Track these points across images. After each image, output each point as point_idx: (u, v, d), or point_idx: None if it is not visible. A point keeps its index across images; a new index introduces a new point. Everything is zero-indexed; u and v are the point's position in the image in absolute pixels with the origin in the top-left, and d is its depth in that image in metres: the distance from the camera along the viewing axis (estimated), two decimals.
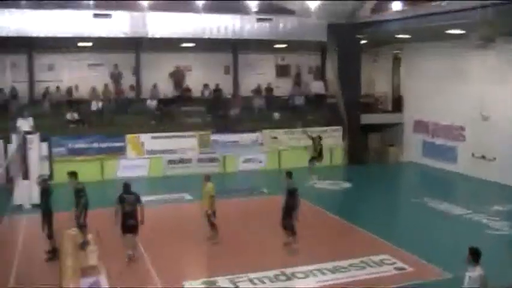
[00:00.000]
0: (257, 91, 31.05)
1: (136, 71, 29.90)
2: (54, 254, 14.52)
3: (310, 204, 19.63)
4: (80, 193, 15.19)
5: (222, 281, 13.02)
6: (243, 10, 28.06)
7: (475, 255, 9.19)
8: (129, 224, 14.39)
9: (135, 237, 14.64)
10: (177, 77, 30.52)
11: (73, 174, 15.54)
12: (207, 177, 16.45)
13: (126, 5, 26.66)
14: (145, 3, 26.43)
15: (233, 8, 27.87)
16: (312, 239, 16.16)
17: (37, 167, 20.98)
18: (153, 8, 26.76)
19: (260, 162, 28.40)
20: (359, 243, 16.31)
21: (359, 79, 30.64)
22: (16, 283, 13.06)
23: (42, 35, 25.97)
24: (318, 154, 25.34)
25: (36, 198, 17.89)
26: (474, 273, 9.06)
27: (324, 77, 33.30)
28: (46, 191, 15.29)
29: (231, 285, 12.78)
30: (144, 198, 19.06)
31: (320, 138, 25.52)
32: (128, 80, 29.91)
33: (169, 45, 28.93)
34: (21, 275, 13.58)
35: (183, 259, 15.05)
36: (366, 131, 30.99)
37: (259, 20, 28.42)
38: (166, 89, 30.05)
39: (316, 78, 33.12)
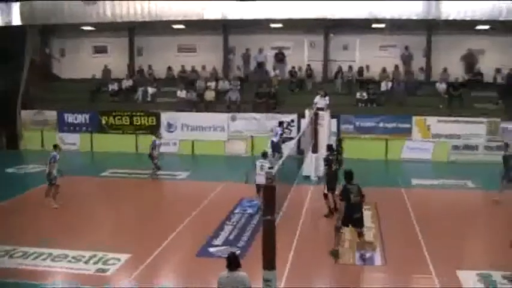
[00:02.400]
0: None
1: (427, 53, 29.73)
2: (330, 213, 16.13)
3: None
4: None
5: (496, 275, 12.24)
6: None
7: None
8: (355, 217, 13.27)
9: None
10: (469, 60, 29.45)
11: None
12: None
13: None
14: None
15: None
16: None
17: (326, 142, 22.21)
18: None
19: None
20: None
21: None
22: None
23: (338, 16, 27.33)
24: None
25: (322, 171, 19.06)
26: None
27: None
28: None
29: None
30: (426, 182, 19.28)
31: None
32: (418, 61, 29.91)
33: (463, 27, 27.90)
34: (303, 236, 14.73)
35: (459, 247, 14.48)
36: None
37: None
38: (457, 72, 29.06)
39: None
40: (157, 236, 14.83)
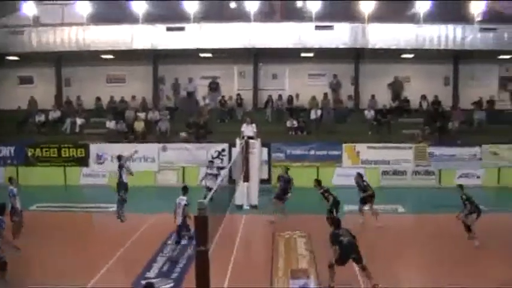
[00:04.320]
0: (478, 104, 29.56)
1: (355, 81, 30.46)
2: None
3: None
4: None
5: None
6: (465, 20, 27.55)
7: None
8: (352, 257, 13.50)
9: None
10: (396, 87, 30.42)
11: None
12: None
13: (347, 16, 27.48)
14: (366, 14, 27.16)
15: (455, 17, 27.32)
16: None
17: (257, 170, 22.24)
18: (373, 19, 27.28)
19: (477, 177, 26.84)
20: None
21: None
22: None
23: (267, 46, 27.81)
24: None
25: (255, 199, 19.07)
26: None
27: None
28: None
29: None
30: (358, 208, 19.55)
31: None
32: (346, 89, 30.58)
33: (389, 55, 28.99)
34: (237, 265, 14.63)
35: (392, 271, 14.69)
36: None
37: (482, 29, 27.50)
38: (385, 99, 30.05)
39: None
40: (89, 270, 14.39)
